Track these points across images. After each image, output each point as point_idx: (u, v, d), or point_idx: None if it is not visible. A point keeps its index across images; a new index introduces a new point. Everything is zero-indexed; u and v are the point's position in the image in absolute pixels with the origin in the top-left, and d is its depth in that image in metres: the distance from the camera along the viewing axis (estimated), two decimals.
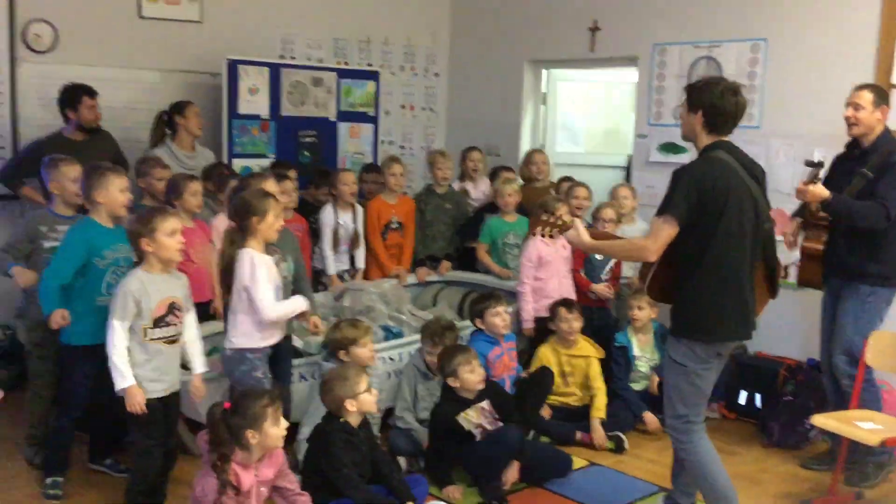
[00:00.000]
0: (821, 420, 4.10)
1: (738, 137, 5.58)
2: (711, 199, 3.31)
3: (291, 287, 4.25)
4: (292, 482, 3.45)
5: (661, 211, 3.38)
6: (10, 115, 5.54)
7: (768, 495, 4.28)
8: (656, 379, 5.06)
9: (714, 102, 3.37)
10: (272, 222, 3.78)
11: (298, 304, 3.94)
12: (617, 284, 5.58)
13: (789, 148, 5.44)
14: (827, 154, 4.62)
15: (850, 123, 4.34)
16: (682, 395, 3.52)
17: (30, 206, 5.34)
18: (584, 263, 5.49)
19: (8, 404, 4.78)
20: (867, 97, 4.30)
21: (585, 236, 3.59)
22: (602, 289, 5.46)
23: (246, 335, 3.81)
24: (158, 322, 3.55)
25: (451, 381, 4.28)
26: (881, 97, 4.33)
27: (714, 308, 3.39)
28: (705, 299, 3.40)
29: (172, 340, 3.63)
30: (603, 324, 5.54)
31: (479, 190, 6.32)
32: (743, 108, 3.43)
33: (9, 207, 5.56)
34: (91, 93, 5.23)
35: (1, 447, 4.52)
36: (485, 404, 4.29)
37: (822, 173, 4.30)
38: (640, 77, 6.30)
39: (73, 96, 5.19)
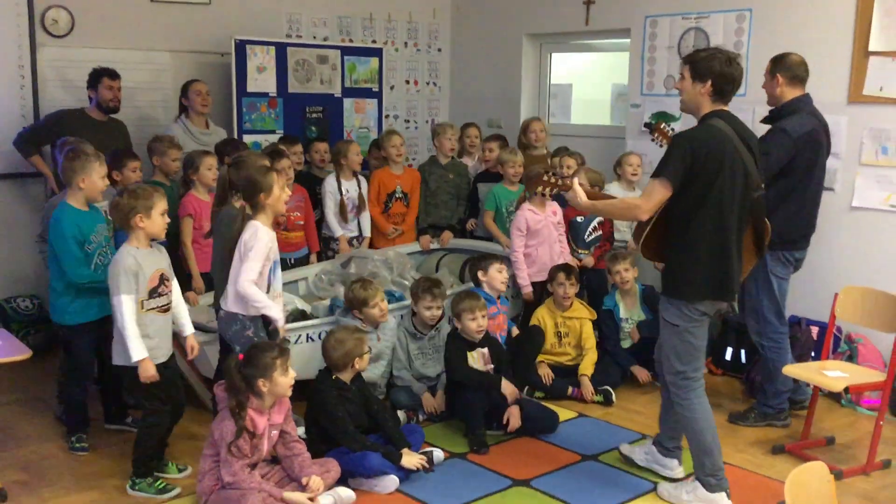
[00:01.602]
0: (791, 369, 4.37)
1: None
2: (705, 165, 3.46)
3: None
4: (293, 428, 3.77)
5: (657, 173, 3.54)
6: (32, 96, 5.83)
7: (745, 442, 4.56)
8: (636, 334, 5.41)
9: (722, 71, 3.51)
10: (279, 195, 3.98)
11: (275, 311, 3.97)
12: (609, 245, 5.84)
13: None
14: None
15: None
16: (677, 352, 3.72)
17: (49, 188, 5.64)
18: (568, 225, 5.75)
19: (37, 368, 5.18)
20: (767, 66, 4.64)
21: (583, 196, 3.73)
22: (586, 260, 5.75)
23: (238, 303, 3.92)
24: (153, 293, 3.78)
25: (455, 322, 4.64)
26: (777, 66, 4.62)
27: (696, 270, 3.57)
28: (690, 261, 3.59)
29: (165, 309, 3.87)
30: (598, 286, 5.83)
31: (476, 164, 6.58)
32: (741, 75, 3.60)
33: (31, 187, 5.89)
34: (112, 75, 5.52)
35: (34, 406, 4.89)
36: (485, 350, 4.65)
37: (671, 129, 4.51)
38: (633, 49, 6.51)
39: (95, 77, 5.50)
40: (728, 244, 3.57)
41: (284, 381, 3.60)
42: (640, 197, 3.67)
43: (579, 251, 5.78)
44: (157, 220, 3.77)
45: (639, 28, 6.44)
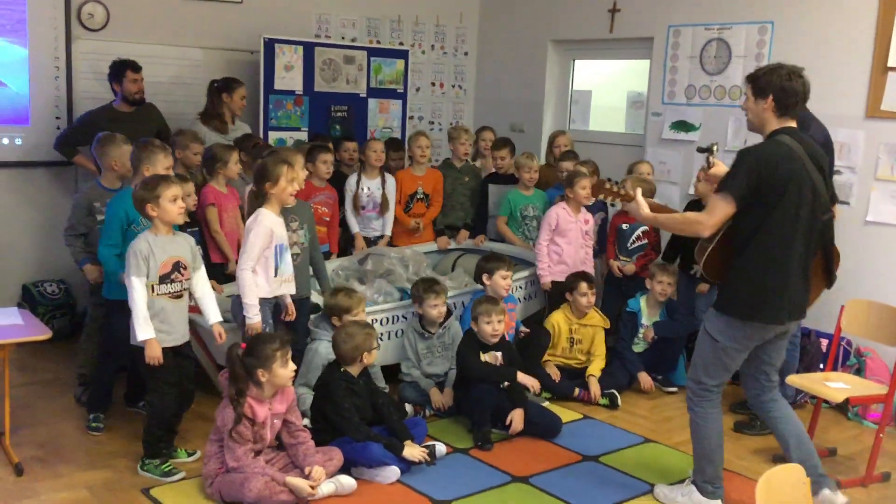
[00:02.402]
0: (794, 379, 4.40)
1: (744, 115, 5.90)
2: (771, 181, 3.36)
3: (309, 253, 4.69)
4: (298, 418, 3.88)
5: (720, 188, 3.44)
6: (67, 88, 6.01)
7: (747, 450, 4.60)
8: (650, 332, 5.47)
9: (783, 85, 3.43)
10: (284, 186, 4.12)
11: (252, 309, 4.07)
12: (654, 255, 5.84)
13: None
14: None
15: None
16: (706, 365, 3.66)
17: (83, 174, 5.85)
18: (615, 232, 5.82)
19: (60, 351, 5.36)
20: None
21: (645, 208, 3.68)
22: (626, 267, 5.78)
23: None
24: (164, 279, 3.90)
25: (472, 324, 4.73)
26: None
27: (755, 290, 3.47)
28: (748, 280, 3.48)
29: (177, 296, 3.97)
30: (632, 294, 5.73)
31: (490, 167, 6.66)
32: (807, 89, 3.48)
33: (62, 175, 6.07)
34: (135, 67, 5.68)
35: (54, 387, 5.06)
36: (498, 354, 4.75)
37: (720, 155, 4.44)
38: (655, 57, 6.57)
39: (119, 70, 5.66)
40: (790, 266, 3.46)
41: (284, 372, 3.71)
42: (703, 212, 3.53)
43: (622, 258, 5.83)
44: (166, 207, 3.88)
45: (662, 37, 6.49)
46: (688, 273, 5.66)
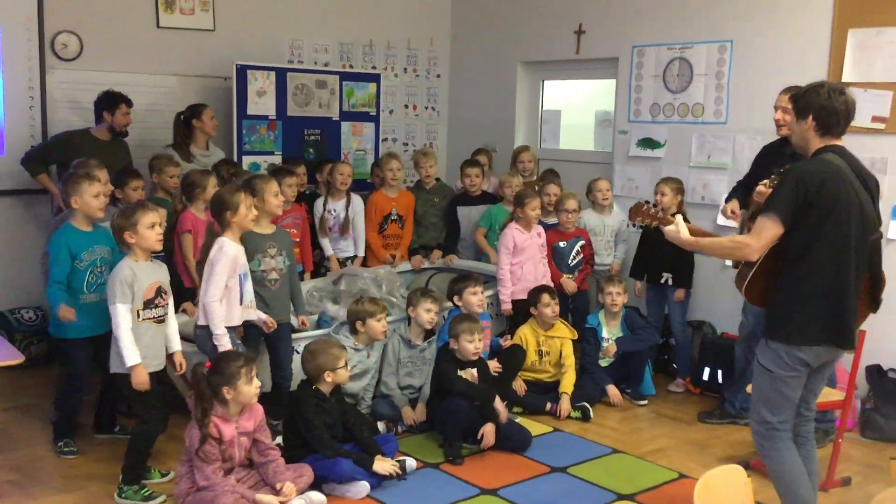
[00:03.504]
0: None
1: (707, 132, 6.00)
2: (818, 198, 3.25)
3: (288, 279, 4.77)
4: (267, 437, 3.95)
5: (767, 209, 3.31)
6: (41, 118, 6.09)
7: (714, 458, 4.68)
8: (613, 348, 5.59)
9: (822, 104, 3.34)
10: (245, 213, 4.22)
11: (224, 342, 4.14)
12: (589, 269, 6.01)
13: (753, 142, 5.78)
14: None
15: (780, 125, 4.74)
16: (766, 400, 3.46)
17: (55, 206, 5.87)
18: (551, 250, 5.93)
19: (37, 376, 5.41)
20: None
21: (685, 232, 3.57)
22: (567, 282, 5.92)
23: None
24: (148, 304, 3.99)
25: (452, 343, 4.82)
26: None
27: (805, 311, 3.32)
28: (798, 301, 3.34)
29: (160, 320, 4.08)
30: (581, 307, 6.01)
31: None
32: (853, 106, 3.38)
33: (37, 203, 6.13)
34: (129, 102, 5.81)
35: (30, 412, 5.10)
36: (474, 371, 4.84)
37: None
38: (620, 77, 6.72)
39: (114, 102, 5.76)
40: (846, 285, 3.33)
41: (248, 389, 3.78)
42: (749, 235, 3.38)
43: (566, 276, 5.95)
44: (144, 234, 3.97)
45: (626, 57, 6.65)
46: (657, 285, 5.80)
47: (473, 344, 4.78)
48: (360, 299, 4.94)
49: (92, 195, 4.32)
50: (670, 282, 5.74)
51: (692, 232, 3.61)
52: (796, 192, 3.26)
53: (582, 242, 5.97)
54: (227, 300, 4.23)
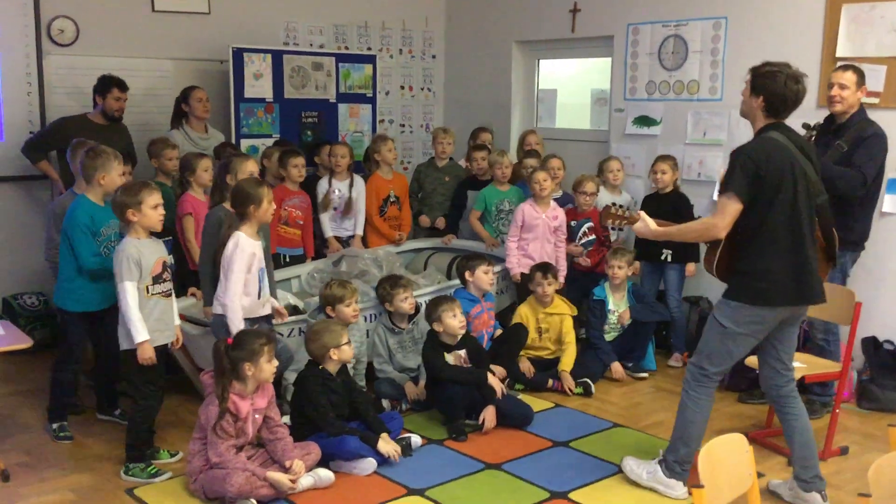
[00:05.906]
0: (752, 360, 4.56)
1: (702, 109, 6.02)
2: (767, 174, 3.51)
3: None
4: (276, 414, 4.01)
5: (724, 189, 3.59)
6: (39, 103, 6.11)
7: (711, 430, 4.68)
8: (626, 314, 5.67)
9: (776, 90, 3.56)
10: (267, 207, 4.22)
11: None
12: (605, 250, 6.03)
13: None
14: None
15: (835, 101, 4.79)
16: (710, 352, 3.77)
17: (57, 191, 5.92)
18: (569, 229, 6.03)
19: (41, 361, 5.45)
20: (851, 78, 4.76)
21: (653, 225, 3.86)
22: (574, 249, 6.02)
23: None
24: (157, 279, 4.06)
25: (436, 326, 4.81)
26: (862, 78, 4.80)
27: (770, 274, 3.59)
28: (762, 266, 3.60)
29: (168, 294, 4.16)
30: (593, 285, 5.94)
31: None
32: (803, 95, 3.61)
33: (37, 188, 6.16)
34: (122, 86, 5.80)
35: (37, 396, 5.14)
36: (462, 352, 4.84)
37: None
38: (616, 55, 6.74)
39: (105, 85, 5.78)
40: (803, 246, 3.61)
41: (269, 367, 3.86)
42: (713, 216, 3.68)
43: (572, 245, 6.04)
44: (148, 213, 4.02)
45: (621, 35, 6.67)
46: (655, 262, 5.86)
47: (458, 318, 4.78)
48: (329, 283, 4.81)
49: (119, 173, 4.40)
50: (669, 258, 5.80)
51: (659, 225, 3.89)
52: (746, 169, 3.53)
53: (590, 224, 6.04)
54: (246, 295, 4.22)
